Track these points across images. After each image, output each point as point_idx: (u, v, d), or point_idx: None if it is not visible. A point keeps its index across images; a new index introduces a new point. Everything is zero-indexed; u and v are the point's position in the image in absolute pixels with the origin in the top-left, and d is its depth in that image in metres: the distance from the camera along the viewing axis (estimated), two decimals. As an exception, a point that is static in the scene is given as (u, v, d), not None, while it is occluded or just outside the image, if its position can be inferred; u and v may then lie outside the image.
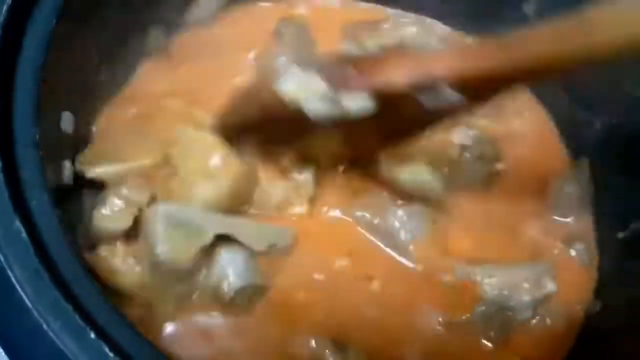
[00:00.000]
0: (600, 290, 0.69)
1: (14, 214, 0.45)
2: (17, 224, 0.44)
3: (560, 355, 0.65)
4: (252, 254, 0.58)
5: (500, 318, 0.63)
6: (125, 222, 0.57)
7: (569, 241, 0.71)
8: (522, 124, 0.77)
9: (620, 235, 0.70)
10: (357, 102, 0.50)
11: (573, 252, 0.70)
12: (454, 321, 0.62)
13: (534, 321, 0.64)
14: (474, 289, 0.63)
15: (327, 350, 0.58)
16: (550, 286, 0.64)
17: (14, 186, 0.47)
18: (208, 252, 0.56)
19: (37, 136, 0.50)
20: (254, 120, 0.58)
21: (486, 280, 0.63)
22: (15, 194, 0.46)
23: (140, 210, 0.58)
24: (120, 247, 0.57)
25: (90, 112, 0.68)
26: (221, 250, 0.56)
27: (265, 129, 0.58)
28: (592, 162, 0.74)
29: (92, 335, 0.42)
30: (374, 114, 0.51)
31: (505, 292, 0.63)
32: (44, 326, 0.42)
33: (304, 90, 0.51)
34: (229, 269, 0.56)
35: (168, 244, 0.53)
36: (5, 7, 0.51)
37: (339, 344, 0.59)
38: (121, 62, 0.73)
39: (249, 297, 0.58)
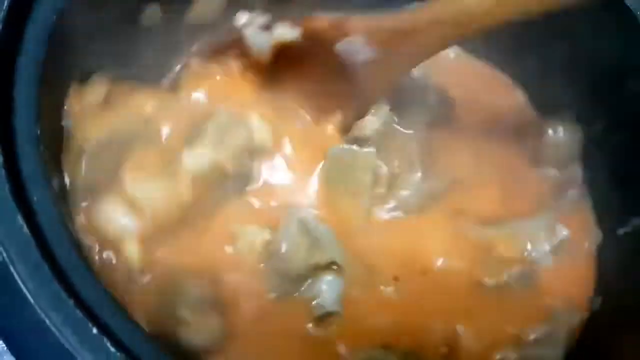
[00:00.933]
0: (600, 287, 0.69)
1: (15, 209, 0.45)
2: (19, 219, 0.44)
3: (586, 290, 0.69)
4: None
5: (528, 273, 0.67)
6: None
7: (561, 191, 0.74)
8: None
9: (621, 231, 0.70)
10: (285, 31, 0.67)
11: (568, 199, 0.73)
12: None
13: (555, 266, 0.68)
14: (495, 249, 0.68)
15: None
16: (563, 232, 0.69)
17: (15, 181, 0.46)
18: (316, 270, 0.62)
19: (38, 131, 0.50)
20: None
21: (507, 239, 0.68)
22: (17, 189, 0.46)
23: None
24: None
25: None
26: (327, 274, 0.62)
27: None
28: (594, 159, 0.75)
29: (94, 331, 0.42)
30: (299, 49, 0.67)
31: (528, 247, 0.67)
32: (46, 321, 0.42)
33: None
34: (328, 292, 0.61)
35: (292, 245, 0.60)
36: (6, 2, 0.51)
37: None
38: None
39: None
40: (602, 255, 0.71)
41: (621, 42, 0.67)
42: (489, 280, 0.66)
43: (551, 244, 0.68)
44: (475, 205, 0.72)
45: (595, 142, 0.74)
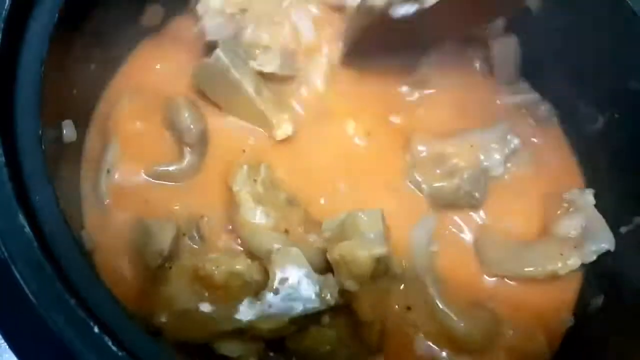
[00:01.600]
0: (603, 285, 0.69)
1: (17, 208, 0.45)
2: (21, 218, 0.45)
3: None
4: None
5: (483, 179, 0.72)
6: None
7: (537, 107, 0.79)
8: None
9: (624, 229, 0.70)
10: None
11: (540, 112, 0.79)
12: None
13: (507, 175, 0.74)
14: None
15: None
16: (515, 141, 0.73)
17: (17, 180, 0.47)
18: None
19: (40, 130, 0.50)
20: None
21: (461, 150, 0.72)
22: (19, 188, 0.46)
23: None
24: None
25: (91, 106, 0.69)
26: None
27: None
28: (596, 157, 0.75)
29: (96, 330, 0.42)
30: None
31: (481, 156, 0.71)
32: (48, 321, 0.42)
33: None
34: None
35: None
36: (7, 1, 0.50)
37: None
38: (119, 46, 0.72)
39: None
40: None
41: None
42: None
43: (503, 153, 0.72)
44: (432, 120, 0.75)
45: (600, 139, 0.75)
